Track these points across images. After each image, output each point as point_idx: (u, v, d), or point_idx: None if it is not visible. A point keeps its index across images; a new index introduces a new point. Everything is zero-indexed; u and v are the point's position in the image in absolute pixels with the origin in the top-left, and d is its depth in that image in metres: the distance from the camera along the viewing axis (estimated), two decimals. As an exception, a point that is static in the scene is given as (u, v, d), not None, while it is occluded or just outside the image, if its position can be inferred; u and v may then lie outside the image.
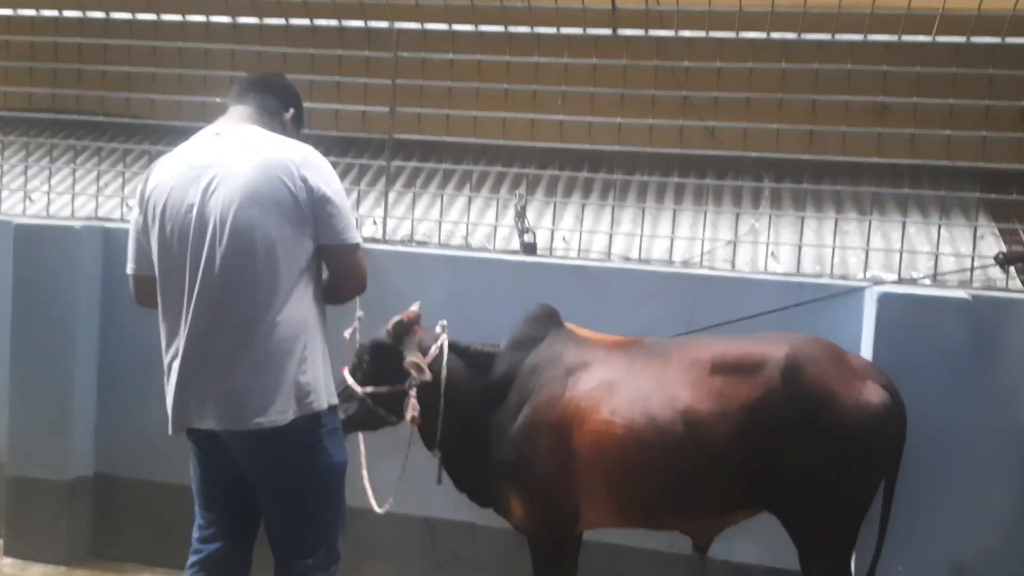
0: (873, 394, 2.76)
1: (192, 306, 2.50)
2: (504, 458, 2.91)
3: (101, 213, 4.67)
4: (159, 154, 2.74)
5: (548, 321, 3.07)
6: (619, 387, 2.85)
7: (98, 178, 4.82)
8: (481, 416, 2.97)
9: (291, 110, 2.80)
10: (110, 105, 4.90)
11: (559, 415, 2.86)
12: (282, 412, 2.50)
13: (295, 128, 2.81)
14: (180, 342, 2.53)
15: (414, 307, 3.08)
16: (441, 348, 3.00)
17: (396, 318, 3.01)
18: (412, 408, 2.89)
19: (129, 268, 2.69)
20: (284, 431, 2.51)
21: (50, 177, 4.78)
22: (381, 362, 2.99)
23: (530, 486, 2.90)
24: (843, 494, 2.78)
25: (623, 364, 2.91)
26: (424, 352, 2.96)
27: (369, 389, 2.96)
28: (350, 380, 3.00)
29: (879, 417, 2.74)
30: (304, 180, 2.52)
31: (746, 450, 2.74)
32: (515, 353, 3.01)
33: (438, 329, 3.06)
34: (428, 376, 2.90)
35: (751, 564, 3.59)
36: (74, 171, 4.79)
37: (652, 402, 2.80)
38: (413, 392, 2.90)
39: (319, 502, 2.67)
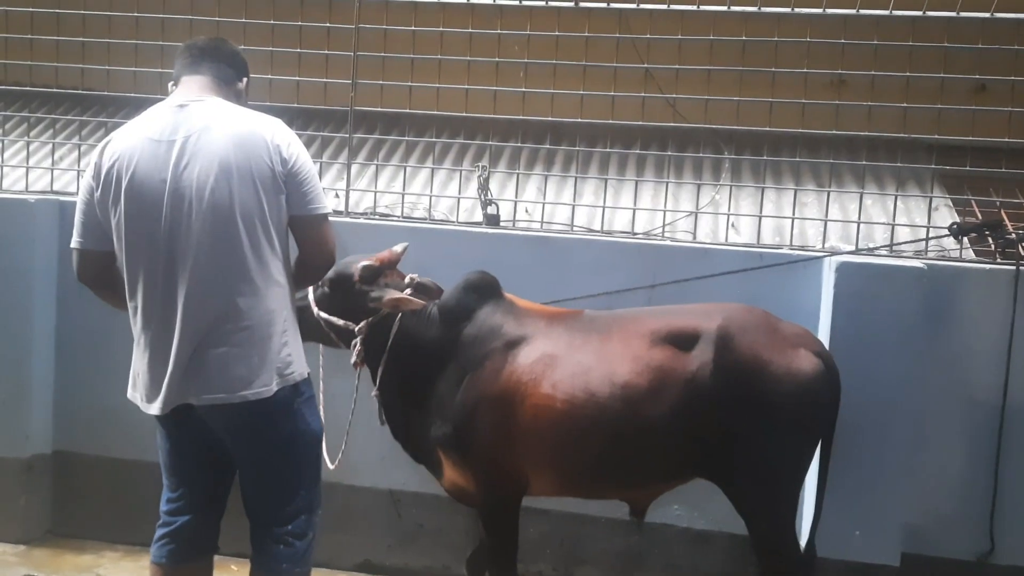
0: (805, 361, 2.79)
1: (175, 283, 2.48)
2: (447, 430, 2.93)
3: (56, 186, 4.58)
4: (115, 126, 2.69)
5: (487, 290, 3.06)
6: (560, 361, 2.87)
7: (53, 151, 4.72)
8: (423, 377, 2.99)
9: (244, 80, 2.77)
10: (64, 76, 4.79)
11: (501, 389, 2.88)
12: (267, 384, 2.53)
13: (246, 98, 2.78)
14: (163, 319, 2.50)
15: (398, 248, 3.08)
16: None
17: (366, 262, 2.99)
18: (357, 354, 2.96)
19: (75, 242, 2.62)
20: (267, 402, 2.53)
21: (3, 150, 4.66)
22: (341, 296, 2.99)
23: (475, 459, 2.92)
24: (778, 461, 2.82)
25: (563, 337, 2.94)
26: None
27: (324, 315, 2.98)
28: (311, 296, 3.01)
29: (811, 384, 2.78)
30: (279, 152, 2.53)
31: (684, 422, 2.78)
32: (451, 321, 3.01)
33: (406, 280, 3.03)
34: (416, 305, 2.90)
35: (712, 531, 3.66)
36: (28, 144, 4.68)
37: (592, 377, 2.83)
38: (359, 339, 2.95)
39: (298, 469, 2.69)
